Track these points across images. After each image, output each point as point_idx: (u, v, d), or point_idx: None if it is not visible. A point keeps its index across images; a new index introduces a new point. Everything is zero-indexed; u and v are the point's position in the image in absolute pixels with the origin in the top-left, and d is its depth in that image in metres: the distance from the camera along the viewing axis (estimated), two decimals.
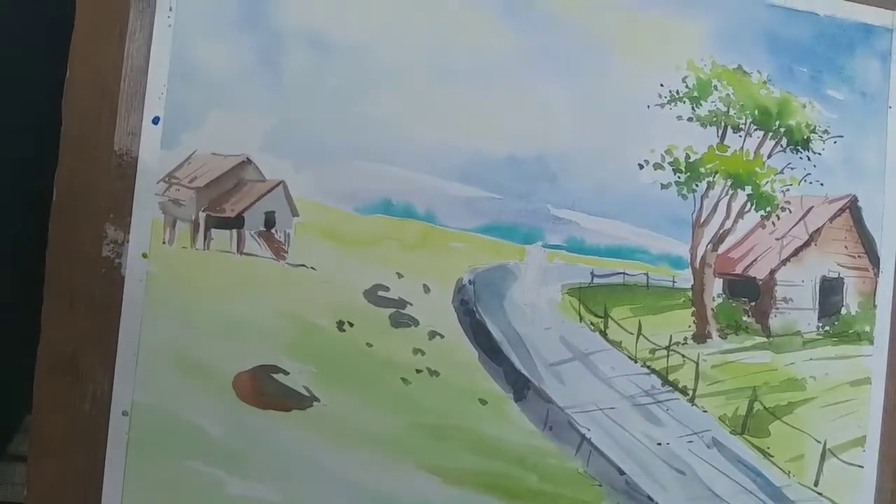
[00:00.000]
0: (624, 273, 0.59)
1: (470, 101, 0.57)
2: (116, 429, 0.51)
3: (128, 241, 0.52)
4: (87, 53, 0.52)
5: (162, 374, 0.52)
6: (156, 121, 0.52)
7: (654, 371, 0.60)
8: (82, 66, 0.52)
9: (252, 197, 0.53)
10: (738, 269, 0.62)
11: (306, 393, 0.54)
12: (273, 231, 0.54)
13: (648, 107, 0.60)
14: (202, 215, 0.53)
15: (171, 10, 0.53)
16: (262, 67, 0.54)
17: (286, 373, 0.53)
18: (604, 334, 0.59)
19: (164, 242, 0.52)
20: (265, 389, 0.53)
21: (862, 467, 0.64)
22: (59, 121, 0.51)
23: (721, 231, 0.61)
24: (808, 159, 0.63)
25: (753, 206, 0.62)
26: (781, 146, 0.62)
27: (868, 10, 0.65)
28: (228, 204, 0.53)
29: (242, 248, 0.53)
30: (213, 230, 0.53)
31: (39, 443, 0.51)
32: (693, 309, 0.60)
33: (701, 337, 0.61)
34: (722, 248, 0.61)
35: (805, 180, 0.63)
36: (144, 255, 0.52)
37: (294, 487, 0.53)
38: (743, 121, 0.61)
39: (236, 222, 0.53)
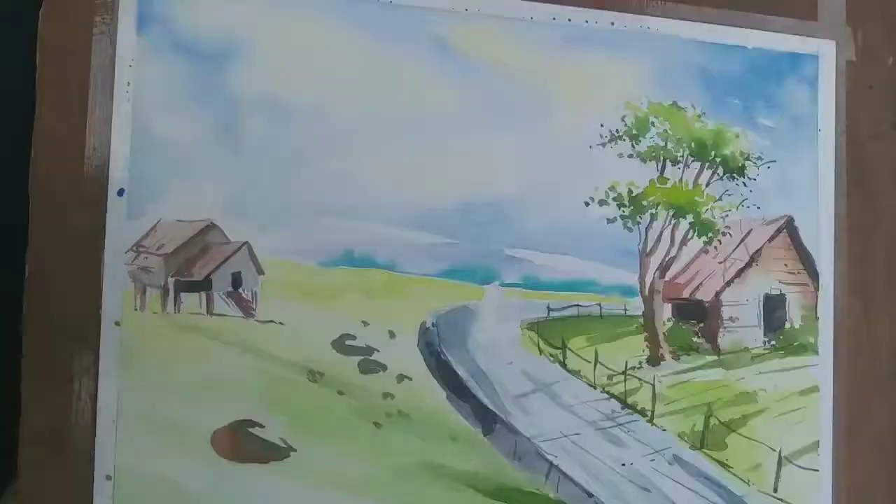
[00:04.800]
0: (578, 305, 0.62)
1: (421, 153, 0.60)
2: (101, 493, 0.53)
3: (101, 312, 0.54)
4: (51, 132, 0.54)
5: (142, 437, 0.54)
6: (121, 193, 0.54)
7: (613, 396, 0.63)
8: (46, 144, 0.54)
9: (218, 259, 0.56)
10: (686, 294, 0.65)
11: (283, 444, 0.56)
12: (241, 290, 0.56)
13: (591, 147, 0.63)
14: (171, 280, 0.55)
15: (128, 84, 0.55)
16: (220, 135, 0.56)
17: (262, 426, 0.56)
18: (563, 364, 0.62)
19: (135, 309, 0.54)
20: (243, 444, 0.55)
21: (817, 471, 0.67)
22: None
23: (667, 259, 0.65)
24: (745, 185, 0.67)
25: (696, 234, 0.66)
26: (718, 175, 0.66)
27: (794, 39, 0.69)
28: (196, 268, 0.55)
29: (212, 308, 0.56)
30: (182, 294, 0.55)
31: None
32: (645, 334, 0.64)
33: (655, 360, 0.64)
34: (669, 275, 0.65)
35: (743, 205, 0.66)
36: (117, 323, 0.54)
37: None
38: (681, 153, 0.65)
39: (205, 285, 0.56)
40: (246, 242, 0.56)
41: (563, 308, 0.62)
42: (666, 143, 0.65)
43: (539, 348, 0.62)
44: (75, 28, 0.55)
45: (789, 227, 0.67)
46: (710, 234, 0.66)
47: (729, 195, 0.66)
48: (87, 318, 0.54)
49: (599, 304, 0.63)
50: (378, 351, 0.58)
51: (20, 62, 0.55)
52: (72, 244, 0.54)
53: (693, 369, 0.65)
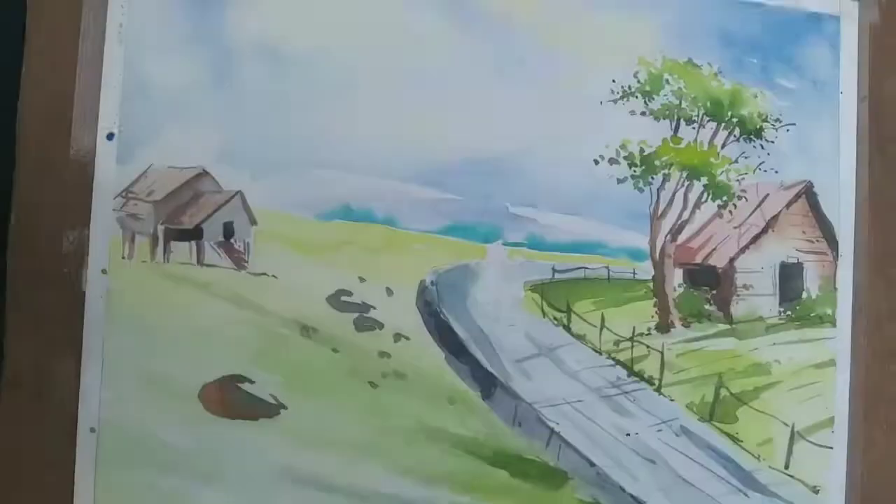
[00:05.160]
0: (584, 267, 0.60)
1: (425, 104, 0.57)
2: (84, 446, 0.51)
3: (87, 258, 0.52)
4: (40, 74, 0.52)
5: (128, 390, 0.52)
6: (110, 137, 0.52)
7: (619, 362, 0.60)
8: (35, 87, 0.52)
9: (210, 208, 0.54)
10: (698, 259, 0.63)
11: (273, 401, 0.54)
12: (232, 241, 0.54)
13: (601, 103, 0.60)
14: (161, 228, 0.53)
15: (121, 26, 0.53)
16: (215, 80, 0.54)
17: (252, 382, 0.54)
18: (567, 328, 0.60)
19: (123, 257, 0.52)
20: (232, 399, 0.53)
21: (832, 448, 0.65)
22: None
23: (679, 222, 0.62)
24: (762, 147, 0.64)
25: (710, 196, 0.63)
26: (735, 136, 0.63)
27: None
28: (186, 216, 0.53)
29: (203, 259, 0.54)
30: (172, 242, 0.53)
31: (6, 464, 0.51)
32: (655, 300, 0.61)
33: (664, 327, 0.61)
34: (681, 239, 0.62)
35: (760, 168, 0.64)
36: (104, 272, 0.52)
37: (265, 496, 0.53)
38: (695, 113, 0.62)
39: (195, 234, 0.54)
40: (239, 192, 0.54)
41: (570, 270, 0.60)
42: (680, 102, 0.62)
43: (543, 311, 0.59)
44: None
45: (808, 194, 0.65)
46: (724, 198, 0.63)
47: (745, 157, 0.63)
48: (73, 265, 0.52)
49: (607, 267, 0.60)
50: (375, 308, 0.56)
51: (9, 1, 0.53)
52: (59, 188, 0.52)
53: (704, 338, 0.62)
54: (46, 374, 0.51)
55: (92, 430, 0.51)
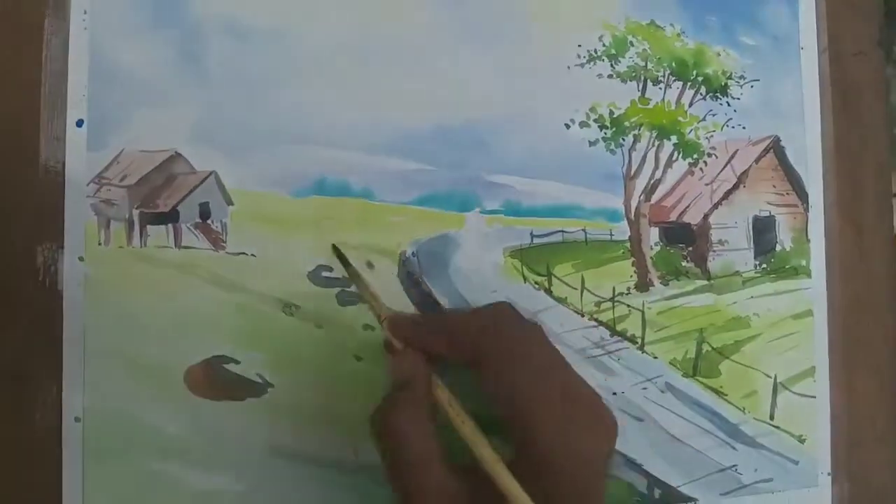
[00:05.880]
0: (562, 231, 0.60)
1: (394, 76, 0.58)
2: (70, 436, 0.51)
3: (62, 247, 0.51)
4: (4, 65, 0.52)
5: (111, 377, 0.51)
6: (80, 123, 0.52)
7: (601, 323, 0.61)
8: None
9: (184, 190, 0.53)
10: (673, 217, 0.63)
11: (259, 380, 0.54)
12: (209, 222, 0.54)
13: (569, 67, 0.61)
14: (136, 213, 0.53)
15: (85, 12, 0.53)
16: (183, 61, 0.54)
17: (237, 362, 0.53)
18: (549, 292, 0.60)
19: (99, 244, 0.52)
20: (217, 381, 0.53)
21: (815, 397, 0.66)
22: None
23: (652, 181, 0.63)
24: (728, 105, 0.65)
25: (681, 155, 0.64)
26: (701, 94, 0.64)
27: None
28: (161, 199, 0.53)
29: (180, 241, 0.53)
30: (148, 226, 0.53)
31: None
32: (633, 259, 0.62)
33: (643, 285, 0.62)
34: (654, 198, 0.63)
35: (727, 125, 0.65)
36: (81, 259, 0.51)
37: (256, 475, 0.53)
38: (661, 73, 0.63)
39: (171, 216, 0.53)
40: (213, 172, 0.54)
41: (548, 234, 0.60)
42: (646, 63, 0.63)
43: (523, 276, 0.60)
44: None
45: (776, 148, 0.66)
46: (695, 156, 0.64)
47: (713, 115, 0.64)
48: (50, 254, 0.51)
49: (584, 230, 0.61)
50: None
51: None
52: (30, 178, 0.51)
53: (683, 294, 0.63)
54: (27, 366, 0.51)
55: (77, 419, 0.51)
